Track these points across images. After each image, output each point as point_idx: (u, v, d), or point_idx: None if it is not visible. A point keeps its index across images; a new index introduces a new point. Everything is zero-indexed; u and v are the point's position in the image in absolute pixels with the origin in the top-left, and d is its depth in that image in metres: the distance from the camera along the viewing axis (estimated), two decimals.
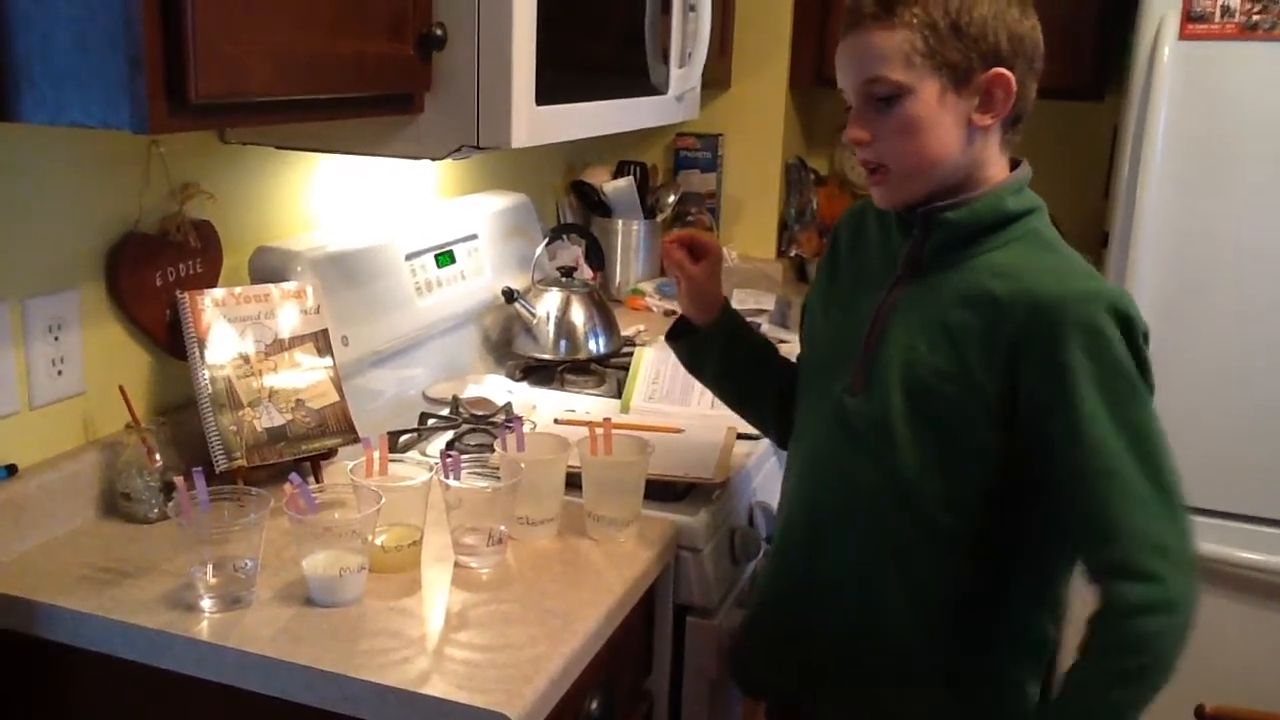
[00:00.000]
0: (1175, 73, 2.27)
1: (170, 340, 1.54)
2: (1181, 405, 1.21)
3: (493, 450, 1.56)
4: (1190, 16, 2.25)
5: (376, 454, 1.42)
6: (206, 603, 1.25)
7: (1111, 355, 1.17)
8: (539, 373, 2.16)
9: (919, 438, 1.26)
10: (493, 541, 1.38)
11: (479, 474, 1.47)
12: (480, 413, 1.86)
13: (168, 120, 1.08)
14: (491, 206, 2.27)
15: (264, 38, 1.17)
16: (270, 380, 1.54)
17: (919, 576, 1.30)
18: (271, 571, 1.32)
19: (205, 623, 1.22)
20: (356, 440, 1.58)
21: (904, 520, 1.29)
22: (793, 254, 3.05)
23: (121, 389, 1.45)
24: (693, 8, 2.04)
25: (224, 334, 1.52)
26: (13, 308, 1.37)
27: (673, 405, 1.93)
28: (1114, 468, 1.16)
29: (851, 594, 1.34)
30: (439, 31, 1.45)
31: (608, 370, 2.19)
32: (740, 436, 1.76)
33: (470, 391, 1.96)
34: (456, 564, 1.38)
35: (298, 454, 1.54)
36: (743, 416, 1.64)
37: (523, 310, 2.17)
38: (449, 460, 1.40)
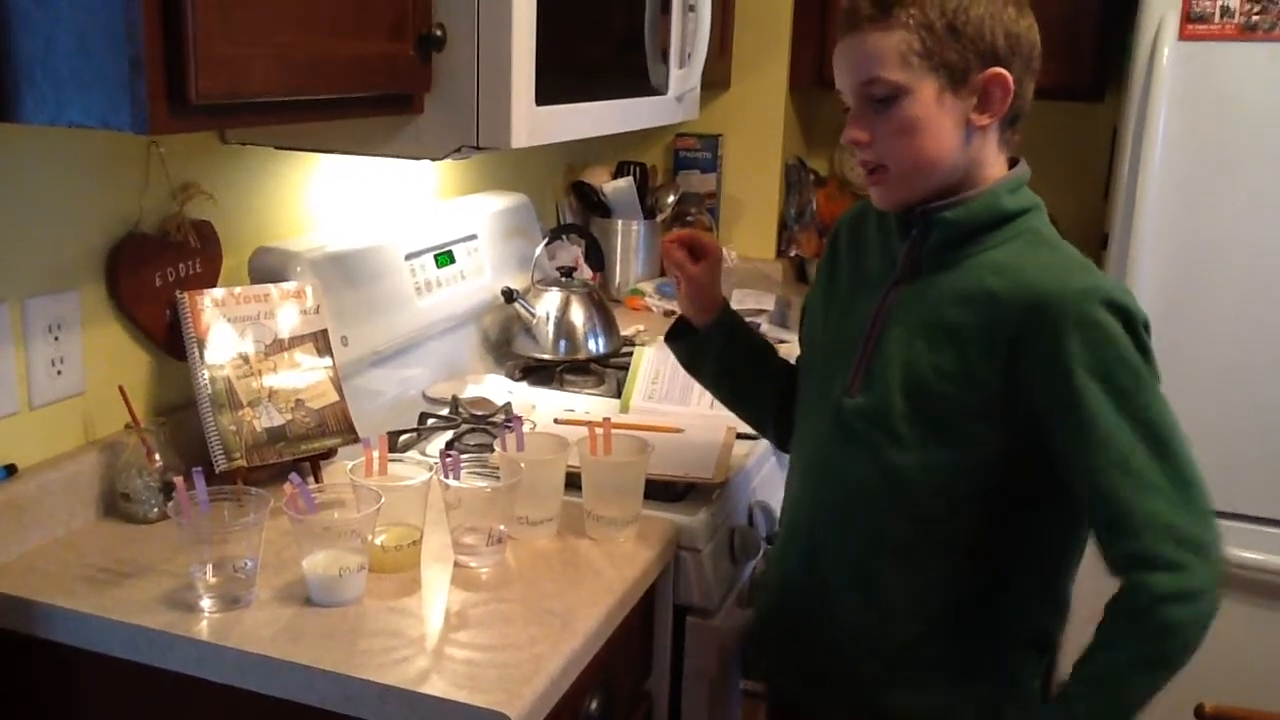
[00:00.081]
0: (1175, 73, 2.27)
1: (170, 340, 1.55)
2: (1181, 405, 1.21)
3: (492, 450, 1.56)
4: (1190, 17, 2.25)
5: (376, 454, 1.42)
6: (206, 603, 1.25)
7: (1114, 349, 1.17)
8: (538, 373, 2.16)
9: (919, 438, 1.26)
10: (492, 541, 1.38)
11: (479, 474, 1.47)
12: (480, 412, 1.86)
13: (168, 121, 1.08)
14: (491, 207, 2.27)
15: (264, 39, 1.18)
16: (270, 380, 1.54)
17: (920, 577, 1.30)
18: (271, 571, 1.32)
19: (205, 623, 1.22)
20: (356, 440, 1.58)
21: (904, 521, 1.29)
22: (792, 254, 3.06)
23: (121, 389, 1.45)
24: (692, 8, 2.04)
25: (224, 334, 1.52)
26: (13, 307, 1.37)
27: (672, 405, 1.93)
28: (1127, 460, 1.15)
29: (853, 594, 1.34)
30: (439, 32, 1.45)
31: (607, 370, 2.19)
32: (740, 436, 1.76)
33: (470, 391, 1.97)
34: (456, 564, 1.38)
35: (297, 454, 1.54)
36: (741, 417, 1.64)
37: (522, 310, 2.17)
38: (448, 460, 1.40)
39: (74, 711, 1.30)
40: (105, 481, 1.46)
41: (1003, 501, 1.26)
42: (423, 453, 1.73)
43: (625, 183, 2.78)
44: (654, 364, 2.00)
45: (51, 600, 1.26)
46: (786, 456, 1.50)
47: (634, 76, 1.96)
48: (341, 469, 1.50)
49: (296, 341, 1.58)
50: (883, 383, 1.28)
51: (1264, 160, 2.26)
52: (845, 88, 1.28)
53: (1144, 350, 1.19)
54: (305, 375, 1.58)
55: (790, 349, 1.56)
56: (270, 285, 1.60)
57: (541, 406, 1.95)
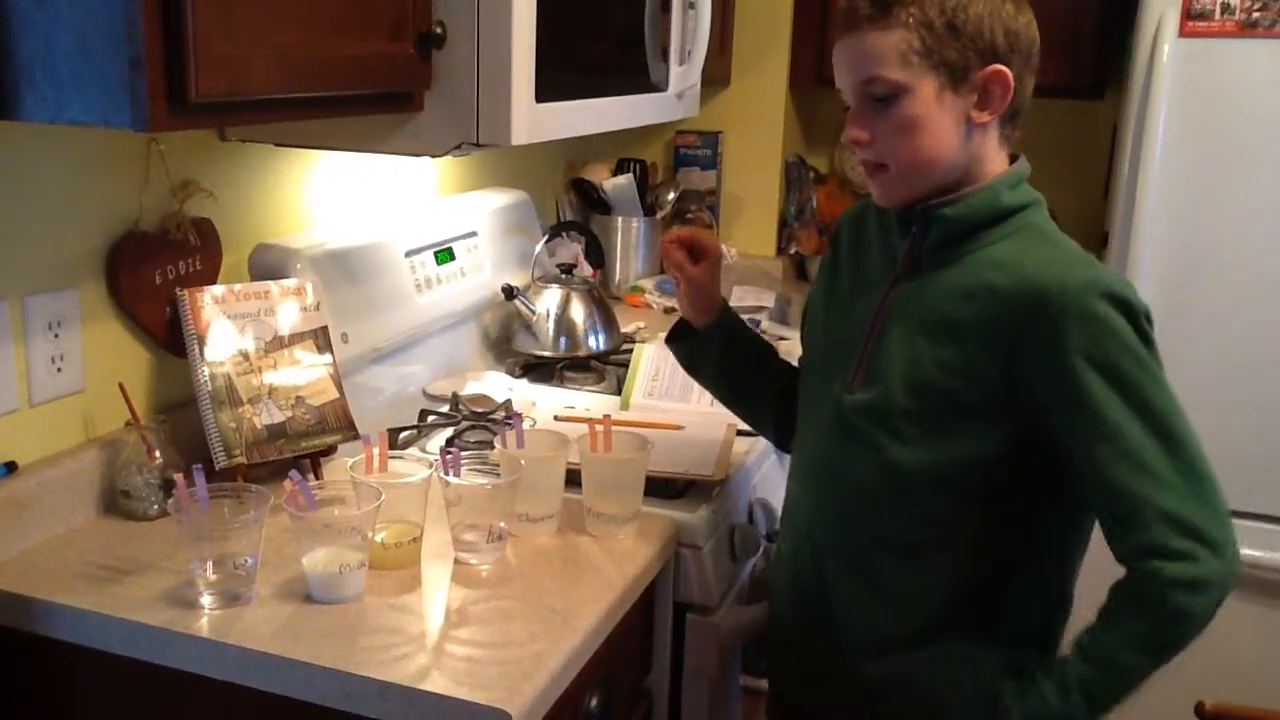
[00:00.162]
0: (1175, 70, 2.27)
1: (170, 338, 1.55)
2: (1181, 403, 1.21)
3: (492, 447, 1.56)
4: (1190, 14, 2.25)
5: (376, 451, 1.43)
6: (206, 600, 1.25)
7: (1116, 341, 1.17)
8: (539, 370, 2.17)
9: (919, 434, 1.26)
10: (492, 538, 1.38)
11: (479, 471, 1.47)
12: (480, 409, 1.86)
13: (168, 119, 1.08)
14: (491, 204, 2.27)
15: (264, 38, 1.18)
16: (270, 377, 1.54)
17: (920, 576, 1.30)
18: (271, 568, 1.32)
19: (205, 620, 1.23)
20: (356, 437, 1.58)
21: (905, 520, 1.29)
22: (792, 251, 3.06)
23: (121, 386, 1.45)
24: (692, 5, 2.04)
25: (224, 331, 1.52)
26: (13, 305, 1.37)
27: (673, 402, 1.93)
28: (1135, 453, 1.15)
29: (853, 594, 1.34)
30: (438, 30, 1.45)
31: (607, 367, 2.19)
32: (740, 433, 1.76)
33: (470, 388, 1.97)
34: (456, 561, 1.38)
35: (297, 451, 1.54)
36: (741, 417, 1.65)
37: (522, 307, 2.17)
38: (449, 457, 1.40)
39: (74, 709, 1.30)
40: (105, 479, 1.46)
41: (1003, 500, 1.26)
42: (423, 450, 1.74)
43: (625, 180, 2.78)
44: (654, 361, 2.00)
45: (52, 597, 1.26)
46: (787, 454, 1.51)
47: (634, 73, 1.96)
48: (342, 466, 1.50)
49: (297, 338, 1.59)
50: (884, 379, 1.28)
51: (1265, 157, 2.26)
52: (845, 87, 1.28)
53: (1147, 341, 1.19)
54: (305, 372, 1.58)
55: (790, 346, 1.56)
56: (270, 282, 1.60)
57: (542, 403, 1.95)
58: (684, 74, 2.08)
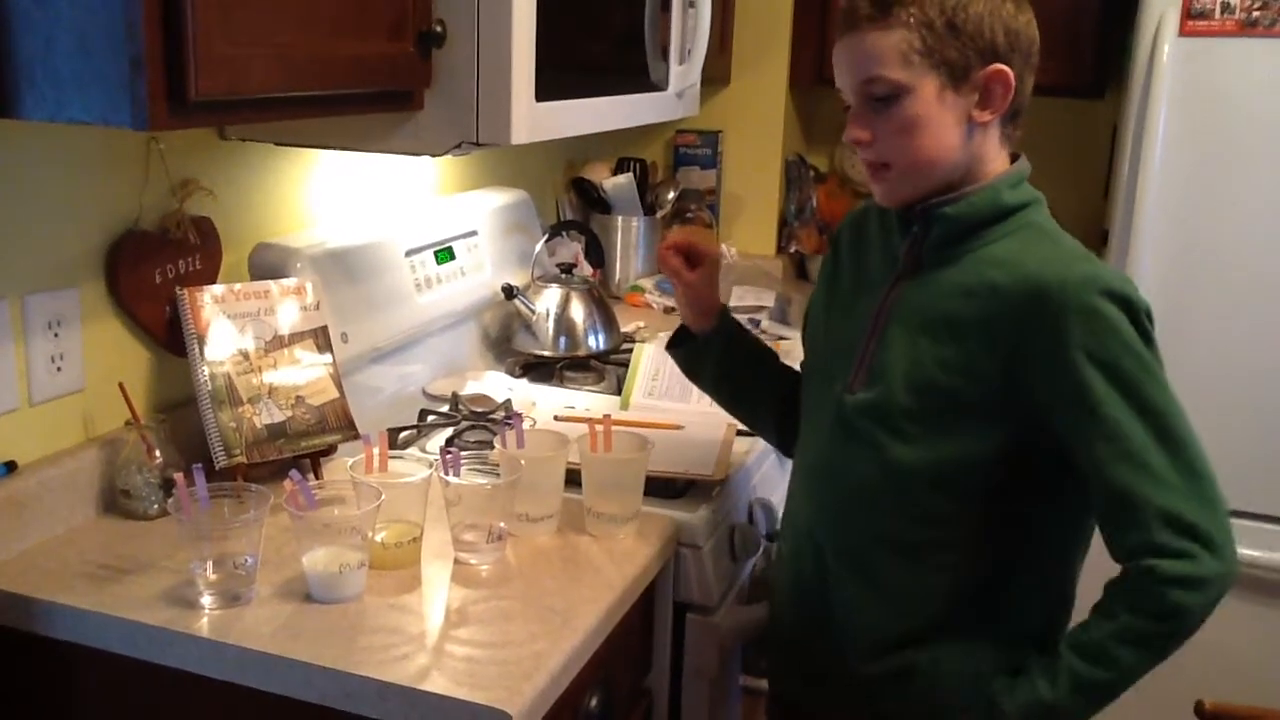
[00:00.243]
0: (1175, 69, 2.27)
1: (170, 337, 1.55)
2: (1181, 403, 1.21)
3: (492, 447, 1.56)
4: (1190, 13, 2.25)
5: (376, 450, 1.43)
6: (206, 599, 1.25)
7: (1117, 338, 1.17)
8: (539, 369, 2.17)
9: (920, 433, 1.26)
10: (492, 538, 1.38)
11: (479, 470, 1.47)
12: (480, 409, 1.86)
13: (168, 119, 1.08)
14: (491, 203, 2.27)
15: (264, 38, 1.18)
16: (270, 377, 1.54)
17: (921, 576, 1.30)
18: (271, 568, 1.32)
19: (205, 619, 1.23)
20: (356, 437, 1.58)
21: (905, 519, 1.29)
22: (792, 251, 3.05)
23: (121, 386, 1.45)
24: (692, 4, 2.04)
25: (224, 330, 1.52)
26: (12, 304, 1.37)
27: (672, 402, 1.93)
28: (1136, 453, 1.15)
29: (853, 594, 1.34)
30: (438, 28, 1.45)
31: (607, 367, 2.19)
32: (740, 433, 1.76)
33: (470, 388, 1.97)
34: (456, 560, 1.38)
35: (297, 450, 1.54)
36: (742, 421, 1.65)
37: (522, 307, 2.17)
38: (449, 457, 1.40)
39: (73, 708, 1.30)
40: (105, 478, 1.46)
41: (1004, 500, 1.26)
42: (423, 449, 1.74)
43: (625, 179, 2.78)
44: (654, 361, 2.00)
45: (51, 597, 1.26)
46: (789, 458, 1.50)
47: (634, 73, 1.95)
48: (341, 466, 1.50)
49: (296, 338, 1.59)
50: (885, 378, 1.28)
51: (1265, 157, 2.26)
52: (845, 87, 1.28)
53: (1147, 338, 1.19)
54: (305, 372, 1.58)
55: (790, 346, 1.56)
56: (270, 281, 1.60)
57: (541, 403, 1.95)
58: (684, 73, 2.08)
